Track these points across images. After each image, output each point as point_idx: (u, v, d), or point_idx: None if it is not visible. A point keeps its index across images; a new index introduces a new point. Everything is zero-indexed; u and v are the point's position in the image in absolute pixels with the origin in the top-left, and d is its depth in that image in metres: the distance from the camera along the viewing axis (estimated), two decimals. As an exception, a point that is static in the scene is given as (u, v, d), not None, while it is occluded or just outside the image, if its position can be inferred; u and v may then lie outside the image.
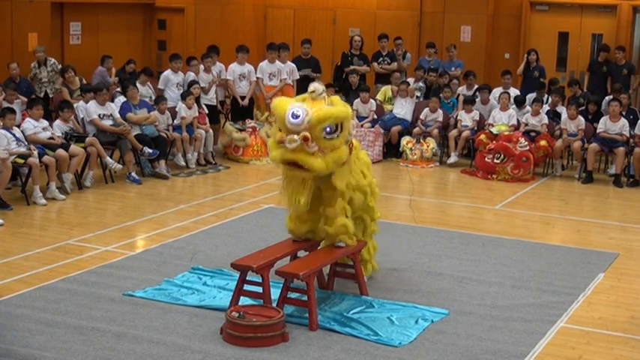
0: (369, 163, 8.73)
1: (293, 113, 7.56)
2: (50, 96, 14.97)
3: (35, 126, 12.46)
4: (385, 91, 16.88)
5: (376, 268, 8.98)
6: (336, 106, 7.77)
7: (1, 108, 12.73)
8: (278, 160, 7.75)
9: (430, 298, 8.52)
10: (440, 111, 15.84)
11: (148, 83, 15.44)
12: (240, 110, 15.97)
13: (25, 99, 13.82)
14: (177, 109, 14.64)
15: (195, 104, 14.88)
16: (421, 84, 16.93)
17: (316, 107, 7.63)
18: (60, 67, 15.53)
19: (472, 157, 15.34)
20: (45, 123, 12.73)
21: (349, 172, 8.11)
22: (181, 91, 15.02)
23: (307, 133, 7.49)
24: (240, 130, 15.33)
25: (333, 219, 8.07)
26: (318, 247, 8.43)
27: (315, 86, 7.81)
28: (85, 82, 15.36)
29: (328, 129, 7.60)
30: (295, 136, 7.50)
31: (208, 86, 15.64)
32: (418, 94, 16.68)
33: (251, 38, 19.39)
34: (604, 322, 8.10)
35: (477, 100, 16.03)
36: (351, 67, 17.25)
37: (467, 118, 15.60)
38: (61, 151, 12.32)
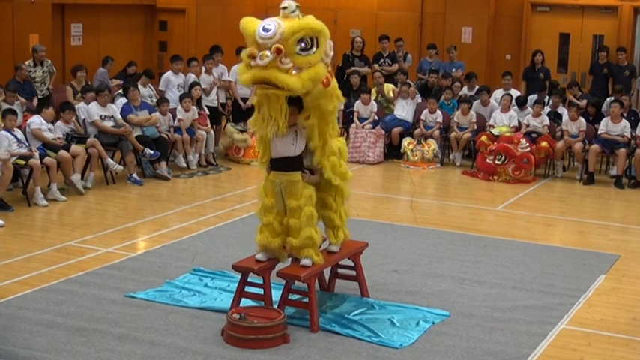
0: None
1: (264, 27, 7.08)
2: (39, 97, 14.88)
3: (42, 123, 12.47)
4: (388, 90, 16.86)
5: (347, 235, 8.26)
6: (311, 20, 7.25)
7: (1, 109, 12.77)
8: (249, 81, 7.21)
9: (431, 300, 8.52)
10: (439, 112, 15.83)
11: (150, 84, 15.45)
12: (242, 112, 15.96)
13: (25, 100, 13.82)
14: (177, 111, 14.65)
15: (196, 106, 14.89)
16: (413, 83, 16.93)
17: (289, 21, 7.16)
18: (54, 69, 15.52)
19: (473, 158, 15.34)
20: (50, 124, 12.73)
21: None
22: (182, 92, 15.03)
23: (280, 46, 6.98)
24: (242, 132, 15.32)
25: (298, 231, 7.60)
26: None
27: (289, 2, 7.30)
28: (89, 82, 15.39)
29: (303, 44, 7.10)
30: (267, 52, 7.00)
31: (209, 88, 15.64)
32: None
33: (252, 39, 19.35)
34: (605, 324, 8.10)
35: (477, 101, 16.02)
36: (352, 69, 17.25)
37: (463, 120, 15.58)
38: (63, 153, 12.33)
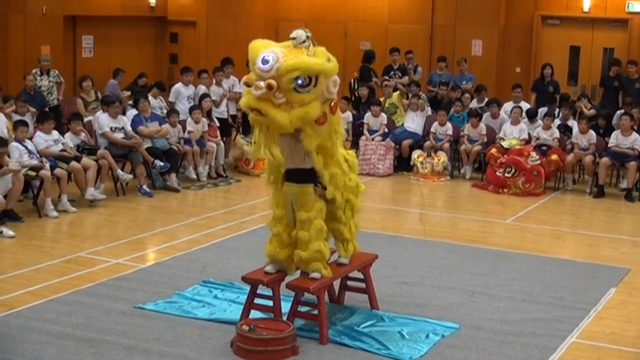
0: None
1: (263, 58, 6.95)
2: (47, 108, 14.91)
3: (46, 140, 12.51)
4: (394, 97, 16.89)
5: (357, 247, 8.23)
6: (316, 58, 7.10)
7: (12, 120, 12.82)
8: (245, 106, 7.18)
9: (441, 313, 8.50)
10: (449, 124, 15.84)
11: (160, 96, 15.50)
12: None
13: (35, 110, 13.86)
14: (187, 123, 14.68)
15: (206, 118, 14.92)
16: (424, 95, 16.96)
17: (292, 55, 7.02)
18: (62, 79, 15.58)
19: (483, 170, 15.33)
20: (56, 135, 12.78)
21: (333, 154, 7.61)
22: (192, 104, 15.07)
23: (273, 82, 6.85)
24: (252, 144, 15.31)
25: (307, 244, 7.54)
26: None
27: (298, 32, 7.17)
28: (100, 95, 15.44)
29: (300, 81, 6.95)
30: (262, 83, 6.89)
31: (219, 99, 15.67)
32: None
33: (263, 52, 19.39)
34: (615, 338, 8.07)
35: (487, 114, 16.02)
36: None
37: (473, 133, 15.58)
38: (74, 164, 12.37)
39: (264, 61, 6.97)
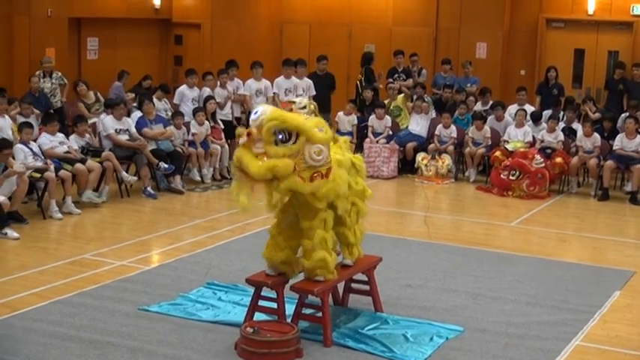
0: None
1: (256, 110, 7.24)
2: (51, 110, 14.94)
3: (51, 140, 12.53)
4: (399, 99, 16.90)
5: (361, 252, 8.25)
6: (304, 119, 7.25)
7: (17, 122, 12.84)
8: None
9: (445, 315, 8.49)
10: (454, 127, 15.83)
11: (164, 98, 15.52)
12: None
13: (40, 112, 13.88)
14: (191, 125, 14.69)
15: (211, 120, 14.94)
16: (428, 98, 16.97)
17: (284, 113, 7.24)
18: (65, 81, 15.60)
19: (487, 173, 15.32)
20: (61, 137, 12.80)
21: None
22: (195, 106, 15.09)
23: (253, 130, 7.05)
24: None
25: (311, 252, 7.57)
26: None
27: (300, 99, 7.53)
28: (100, 96, 15.46)
29: (280, 136, 7.10)
30: (245, 133, 7.13)
31: (224, 102, 15.68)
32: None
33: (266, 54, 19.44)
34: (620, 341, 8.06)
35: (491, 117, 16.01)
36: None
37: (477, 136, 15.58)
38: (79, 165, 12.39)
39: (255, 113, 7.20)
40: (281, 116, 7.12)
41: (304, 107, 7.42)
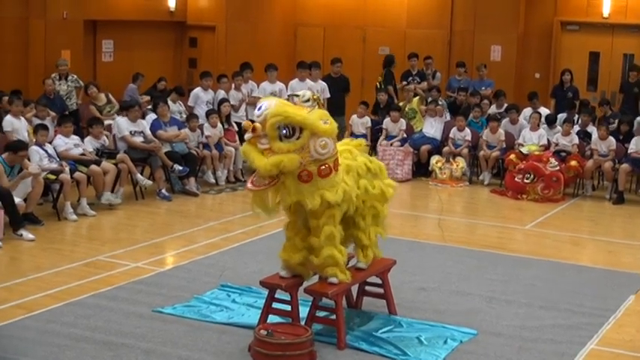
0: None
1: (260, 105, 7.27)
2: (67, 112, 14.98)
3: (66, 142, 12.59)
4: (414, 102, 16.89)
5: (378, 254, 8.25)
6: (304, 112, 7.25)
7: (33, 124, 12.90)
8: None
9: (459, 318, 8.47)
10: (468, 130, 15.81)
11: (179, 101, 15.56)
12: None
13: (56, 114, 13.93)
14: (204, 127, 14.72)
15: (225, 122, 14.97)
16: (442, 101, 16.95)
17: (287, 107, 7.27)
18: (81, 83, 15.66)
19: (502, 176, 15.29)
20: (76, 139, 12.86)
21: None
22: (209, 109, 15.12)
23: (258, 125, 7.09)
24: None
25: (319, 250, 7.57)
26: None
27: (304, 92, 7.51)
28: (112, 97, 15.51)
29: (284, 131, 7.14)
30: (251, 125, 7.19)
31: (238, 104, 15.71)
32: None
33: (281, 56, 19.46)
34: (635, 345, 8.02)
35: (506, 120, 15.98)
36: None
37: (492, 139, 15.54)
38: (94, 167, 12.43)
39: (258, 108, 7.22)
40: (284, 112, 7.13)
41: (307, 100, 7.38)
